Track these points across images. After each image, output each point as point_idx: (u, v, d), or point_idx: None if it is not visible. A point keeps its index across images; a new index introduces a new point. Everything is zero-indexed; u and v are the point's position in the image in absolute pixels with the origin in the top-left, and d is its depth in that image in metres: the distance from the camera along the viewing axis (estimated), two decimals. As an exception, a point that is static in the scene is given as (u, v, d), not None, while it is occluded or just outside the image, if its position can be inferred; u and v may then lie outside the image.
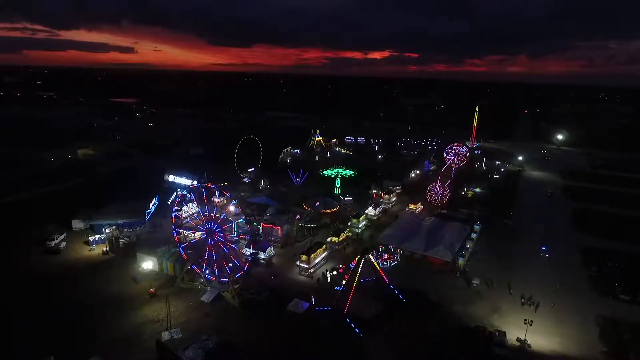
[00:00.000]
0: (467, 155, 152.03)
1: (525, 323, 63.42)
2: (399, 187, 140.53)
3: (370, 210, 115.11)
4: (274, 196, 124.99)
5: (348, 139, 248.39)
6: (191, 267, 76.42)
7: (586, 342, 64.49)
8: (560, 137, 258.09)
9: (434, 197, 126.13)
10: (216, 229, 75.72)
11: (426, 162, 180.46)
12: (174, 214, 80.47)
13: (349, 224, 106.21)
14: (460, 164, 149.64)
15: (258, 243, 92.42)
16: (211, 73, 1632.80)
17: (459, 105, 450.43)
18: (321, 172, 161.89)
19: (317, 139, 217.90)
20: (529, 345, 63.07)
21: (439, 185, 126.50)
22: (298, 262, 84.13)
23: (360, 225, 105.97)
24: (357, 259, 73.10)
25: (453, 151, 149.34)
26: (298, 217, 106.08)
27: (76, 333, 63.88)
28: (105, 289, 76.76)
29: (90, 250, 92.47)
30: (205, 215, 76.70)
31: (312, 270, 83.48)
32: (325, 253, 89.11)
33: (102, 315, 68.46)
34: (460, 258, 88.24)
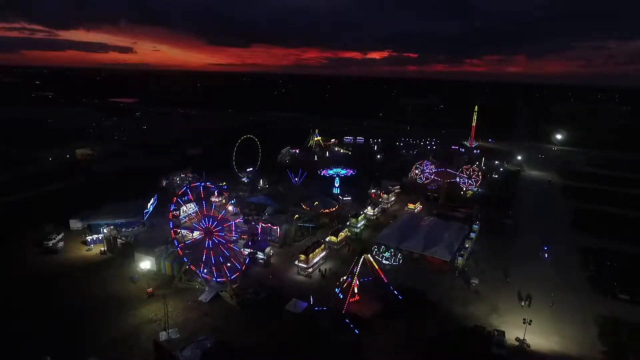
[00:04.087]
0: (433, 167, 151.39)
1: (524, 323, 63.24)
2: (398, 186, 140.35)
3: (369, 210, 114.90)
4: (272, 196, 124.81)
5: (347, 139, 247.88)
6: (188, 265, 76.05)
7: (585, 341, 64.31)
8: (559, 137, 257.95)
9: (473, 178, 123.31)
10: (214, 228, 75.39)
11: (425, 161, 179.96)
12: (171, 214, 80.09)
13: (348, 223, 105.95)
14: (432, 175, 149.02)
15: (256, 243, 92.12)
16: (210, 73, 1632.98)
17: (458, 105, 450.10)
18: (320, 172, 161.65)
19: (316, 138, 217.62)
20: (528, 345, 62.91)
21: (466, 168, 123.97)
22: (297, 262, 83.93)
23: (359, 225, 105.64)
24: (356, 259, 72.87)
25: (419, 169, 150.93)
26: (297, 216, 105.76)
27: (74, 333, 63.48)
28: (103, 289, 76.38)
29: (88, 250, 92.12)
30: (204, 215, 76.31)
31: (310, 270, 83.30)
32: (324, 253, 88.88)
33: (100, 315, 68.05)
34: (459, 258, 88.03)
